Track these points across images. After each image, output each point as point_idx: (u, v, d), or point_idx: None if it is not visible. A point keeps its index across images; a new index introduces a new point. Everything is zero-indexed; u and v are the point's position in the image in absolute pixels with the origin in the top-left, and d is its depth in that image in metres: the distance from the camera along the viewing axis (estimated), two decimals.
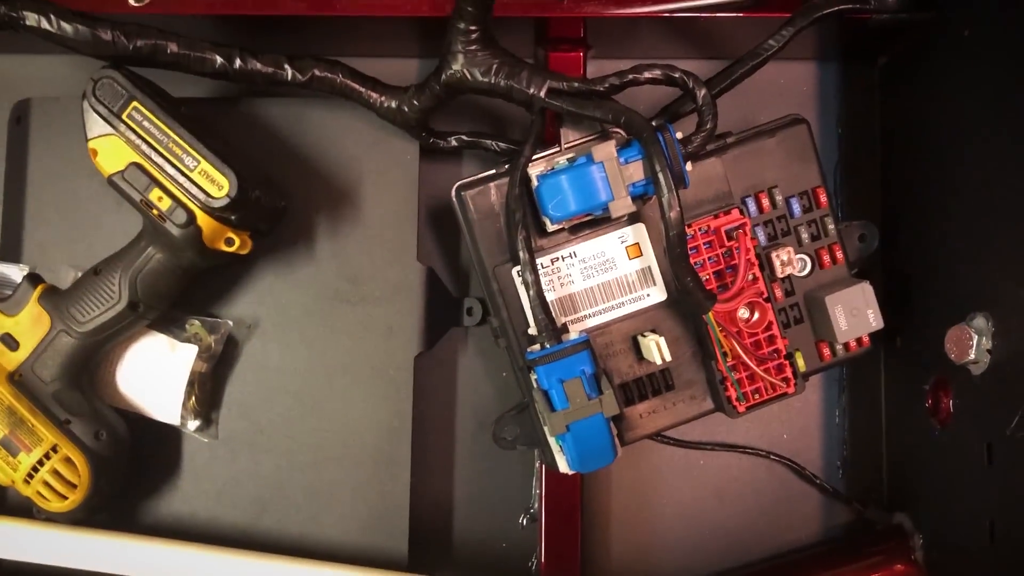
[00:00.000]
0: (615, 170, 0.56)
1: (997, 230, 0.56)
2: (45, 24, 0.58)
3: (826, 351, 0.63)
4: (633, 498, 0.73)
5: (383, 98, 0.63)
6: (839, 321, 0.61)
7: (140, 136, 0.58)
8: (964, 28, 0.59)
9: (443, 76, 0.60)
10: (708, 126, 0.58)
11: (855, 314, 0.61)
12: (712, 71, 0.63)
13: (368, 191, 0.68)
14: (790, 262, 0.61)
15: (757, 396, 0.61)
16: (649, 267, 0.61)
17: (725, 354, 0.59)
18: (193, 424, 0.66)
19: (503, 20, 0.61)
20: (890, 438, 0.71)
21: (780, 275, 0.61)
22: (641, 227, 0.61)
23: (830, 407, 0.74)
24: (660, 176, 0.54)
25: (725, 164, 0.62)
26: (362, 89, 0.63)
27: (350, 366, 0.67)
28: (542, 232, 0.60)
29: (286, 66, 0.62)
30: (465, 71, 0.59)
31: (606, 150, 0.56)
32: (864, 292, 0.61)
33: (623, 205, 0.56)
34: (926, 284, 0.65)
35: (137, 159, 0.58)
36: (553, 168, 0.59)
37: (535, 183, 0.58)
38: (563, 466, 0.59)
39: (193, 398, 0.65)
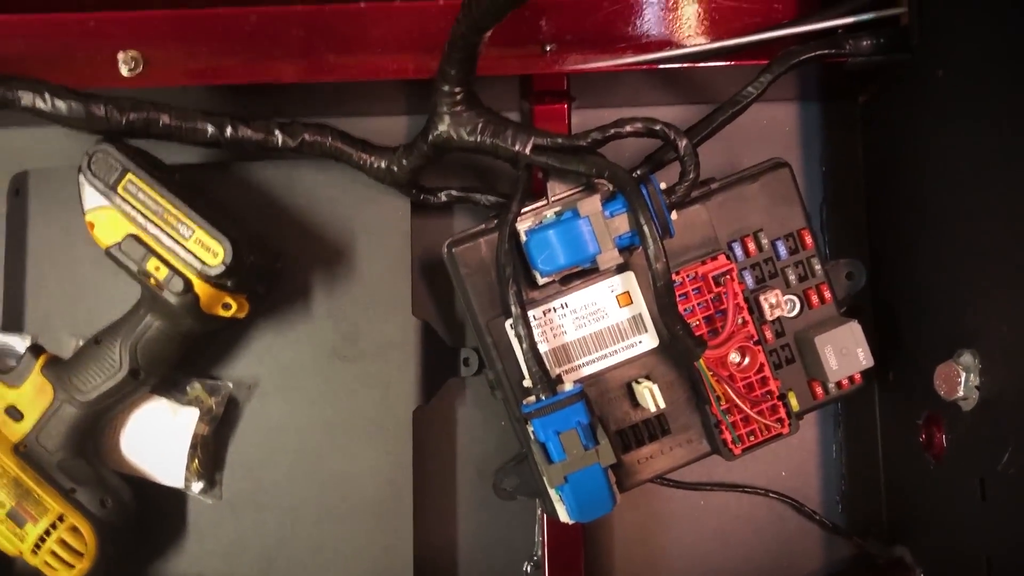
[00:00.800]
0: (601, 224, 0.57)
1: (981, 266, 0.56)
2: (40, 103, 0.59)
3: (819, 390, 0.63)
4: (636, 542, 0.73)
5: (372, 159, 0.64)
6: (829, 361, 0.61)
7: (135, 208, 0.59)
8: (937, 69, 0.60)
9: (430, 136, 0.61)
10: (691, 176, 0.59)
11: (845, 353, 0.61)
12: (695, 116, 0.63)
13: (361, 248, 0.69)
14: (778, 304, 0.62)
15: (752, 438, 0.61)
16: (640, 314, 0.62)
17: (719, 398, 0.60)
18: (197, 486, 0.67)
19: (489, 76, 0.63)
20: (887, 472, 0.72)
21: (769, 317, 0.62)
22: (630, 275, 0.62)
23: (827, 443, 0.74)
24: (645, 228, 0.55)
25: (710, 210, 0.63)
26: (352, 151, 0.64)
27: (350, 422, 0.68)
28: (533, 285, 0.61)
29: (276, 132, 0.63)
30: (451, 131, 0.60)
31: (591, 204, 0.58)
32: (853, 331, 0.61)
33: (610, 257, 0.58)
34: (914, 320, 0.65)
35: (134, 230, 0.59)
36: (541, 222, 0.60)
37: (524, 238, 0.59)
38: (563, 516, 0.59)
39: (196, 460, 0.66)
